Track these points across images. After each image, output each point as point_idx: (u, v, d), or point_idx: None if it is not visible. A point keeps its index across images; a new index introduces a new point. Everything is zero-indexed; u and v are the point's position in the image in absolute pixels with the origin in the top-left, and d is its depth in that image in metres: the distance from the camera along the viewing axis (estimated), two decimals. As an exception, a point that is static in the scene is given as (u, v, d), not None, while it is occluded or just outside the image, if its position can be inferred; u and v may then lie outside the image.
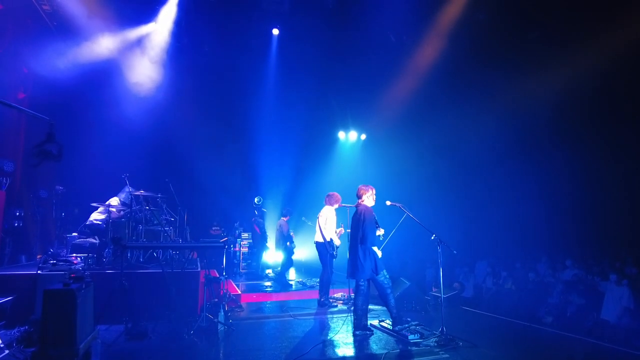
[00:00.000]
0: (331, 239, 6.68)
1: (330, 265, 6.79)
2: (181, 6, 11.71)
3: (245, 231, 11.99)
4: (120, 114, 10.58)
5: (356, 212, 5.45)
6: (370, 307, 6.00)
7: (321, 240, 6.78)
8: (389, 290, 5.21)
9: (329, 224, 6.75)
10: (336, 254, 6.80)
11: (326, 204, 6.93)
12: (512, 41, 14.67)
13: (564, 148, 13.77)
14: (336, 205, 6.88)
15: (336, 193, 7.00)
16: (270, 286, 8.75)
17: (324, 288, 6.81)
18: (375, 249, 5.22)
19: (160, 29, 12.11)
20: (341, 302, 7.08)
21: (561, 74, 12.77)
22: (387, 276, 5.32)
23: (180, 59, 13.11)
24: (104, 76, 10.36)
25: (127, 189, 7.35)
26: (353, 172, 16.90)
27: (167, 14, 11.75)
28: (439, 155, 20.76)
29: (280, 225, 9.45)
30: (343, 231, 6.91)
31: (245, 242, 11.75)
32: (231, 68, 14.12)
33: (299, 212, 13.08)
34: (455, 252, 5.05)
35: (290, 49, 15.23)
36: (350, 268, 5.31)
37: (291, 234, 9.79)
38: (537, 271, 8.65)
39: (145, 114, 11.05)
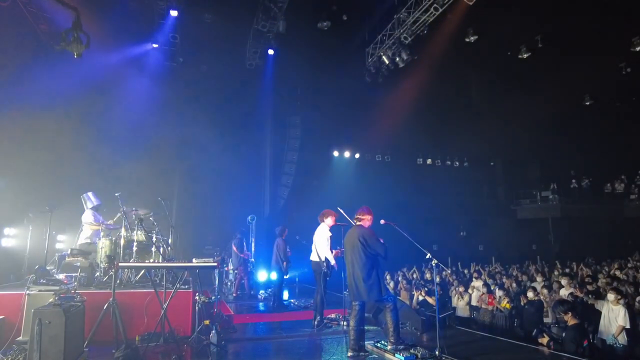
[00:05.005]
0: (326, 258, 6.59)
1: (325, 285, 6.70)
2: (177, 27, 11.87)
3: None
4: (114, 132, 10.59)
5: (352, 233, 5.34)
6: (366, 327, 5.91)
7: (316, 259, 6.70)
8: (393, 307, 5.13)
9: (322, 241, 6.67)
10: (329, 274, 6.70)
11: (320, 221, 6.88)
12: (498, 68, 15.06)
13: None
14: (330, 223, 6.80)
15: (329, 210, 6.91)
16: (263, 307, 8.62)
17: (319, 308, 6.70)
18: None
19: (157, 48, 12.26)
20: (336, 322, 6.97)
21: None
22: (392, 294, 5.30)
23: (176, 78, 13.24)
24: (99, 94, 10.39)
25: (91, 198, 7.44)
26: (348, 190, 16.91)
27: (164, 34, 11.90)
28: (436, 175, 21.00)
29: (277, 245, 9.05)
30: (339, 253, 6.80)
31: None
32: (227, 87, 14.27)
33: (293, 230, 13.00)
34: (449, 271, 5.03)
35: (285, 69, 15.43)
36: (354, 290, 5.19)
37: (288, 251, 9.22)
38: (532, 290, 8.59)
39: (140, 132, 11.06)
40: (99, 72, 9.99)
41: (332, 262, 6.62)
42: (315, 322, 6.59)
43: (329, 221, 6.79)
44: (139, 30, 11.24)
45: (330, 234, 6.74)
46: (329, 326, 6.74)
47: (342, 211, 6.28)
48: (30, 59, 8.67)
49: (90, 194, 7.60)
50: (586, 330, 6.29)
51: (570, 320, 5.76)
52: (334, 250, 6.72)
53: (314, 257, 6.77)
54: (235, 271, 11.03)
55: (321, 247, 6.62)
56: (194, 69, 13.65)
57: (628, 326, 6.40)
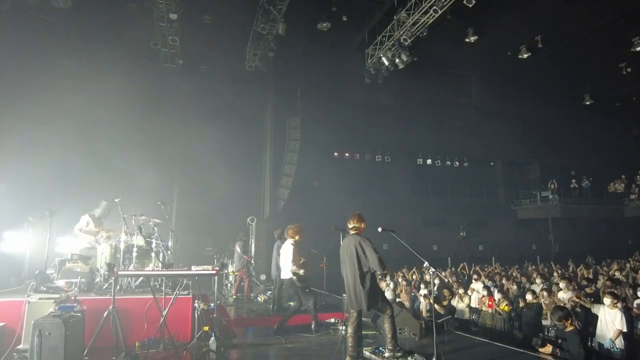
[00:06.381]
0: (294, 275, 6.51)
1: (311, 293, 6.69)
2: (177, 29, 11.86)
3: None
4: (114, 135, 10.60)
5: (348, 242, 5.28)
6: (365, 332, 5.95)
7: (288, 276, 6.65)
8: (391, 314, 5.14)
9: (288, 258, 6.59)
10: (307, 285, 6.65)
11: (286, 237, 6.84)
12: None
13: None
14: (297, 238, 6.72)
15: (297, 226, 6.81)
16: (263, 311, 8.63)
17: (313, 313, 6.70)
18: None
19: (156, 50, 12.25)
20: (334, 327, 7.00)
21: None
22: (389, 300, 5.30)
23: (176, 80, 13.25)
24: (98, 99, 10.39)
25: (103, 205, 7.47)
26: (348, 191, 16.93)
27: (163, 37, 11.89)
28: (436, 175, 21.02)
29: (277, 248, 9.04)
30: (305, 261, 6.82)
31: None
32: (227, 89, 14.29)
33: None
34: (446, 280, 5.03)
35: (285, 71, 15.44)
36: (352, 299, 5.17)
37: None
38: (531, 293, 8.61)
39: (140, 135, 11.06)
40: (98, 76, 10.00)
41: (301, 272, 6.56)
42: (313, 327, 6.62)
43: (298, 238, 6.73)
44: (138, 34, 11.22)
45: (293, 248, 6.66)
46: (328, 330, 6.78)
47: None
48: (31, 64, 8.67)
49: (105, 203, 7.61)
50: (585, 335, 6.31)
51: (568, 326, 5.78)
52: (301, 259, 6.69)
53: (285, 275, 6.72)
54: (236, 273, 11.03)
55: (288, 262, 6.56)
56: (193, 71, 13.67)
57: (625, 330, 6.42)
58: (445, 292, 8.99)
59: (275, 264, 8.64)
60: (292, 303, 9.40)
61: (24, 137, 8.83)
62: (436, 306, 8.86)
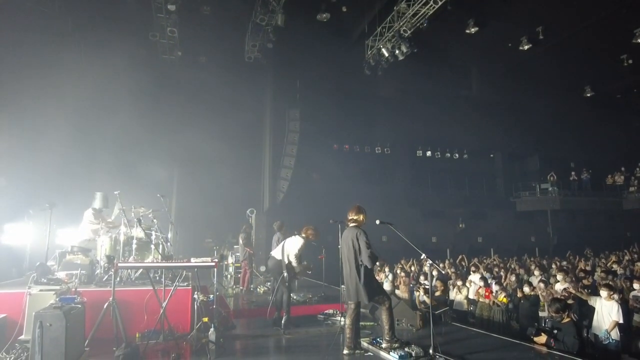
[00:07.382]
0: (288, 265, 6.50)
1: (288, 287, 6.67)
2: (176, 20, 11.79)
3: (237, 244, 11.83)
4: (113, 128, 10.58)
5: (347, 234, 5.32)
6: (363, 323, 6.02)
7: (279, 257, 6.59)
8: (388, 306, 5.18)
9: (294, 248, 6.56)
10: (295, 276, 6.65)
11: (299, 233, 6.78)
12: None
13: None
14: (311, 238, 6.65)
15: (313, 228, 6.72)
16: (262, 302, 8.68)
17: (285, 308, 6.59)
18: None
19: (154, 42, 12.18)
20: (333, 318, 7.07)
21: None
22: (386, 293, 5.35)
23: (174, 72, 13.20)
24: (97, 91, 10.37)
25: (98, 200, 7.51)
26: (347, 182, 16.95)
27: (162, 28, 11.82)
28: (436, 167, 21.03)
29: (276, 241, 8.96)
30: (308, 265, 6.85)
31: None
32: (226, 81, 14.23)
33: (293, 225, 13.07)
34: (443, 272, 5.06)
35: (284, 62, 15.37)
36: (350, 290, 5.21)
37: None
38: (528, 285, 8.67)
39: (139, 128, 11.05)
40: (96, 68, 9.97)
41: (297, 268, 6.54)
42: (282, 322, 6.40)
43: (312, 239, 6.67)
44: (137, 26, 11.17)
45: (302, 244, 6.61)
46: (328, 323, 6.84)
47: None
48: (29, 57, 8.65)
49: (100, 194, 7.64)
50: (580, 327, 6.37)
51: (564, 318, 5.84)
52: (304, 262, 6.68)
53: (276, 254, 6.64)
54: (237, 265, 11.06)
55: (292, 251, 6.51)
56: (192, 63, 13.62)
57: (621, 321, 6.48)
58: (438, 283, 9.01)
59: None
60: (291, 294, 9.48)
61: (23, 130, 8.84)
62: (425, 297, 8.93)
